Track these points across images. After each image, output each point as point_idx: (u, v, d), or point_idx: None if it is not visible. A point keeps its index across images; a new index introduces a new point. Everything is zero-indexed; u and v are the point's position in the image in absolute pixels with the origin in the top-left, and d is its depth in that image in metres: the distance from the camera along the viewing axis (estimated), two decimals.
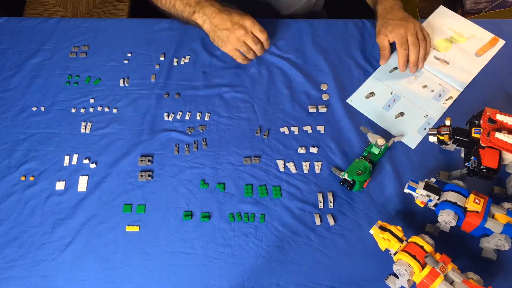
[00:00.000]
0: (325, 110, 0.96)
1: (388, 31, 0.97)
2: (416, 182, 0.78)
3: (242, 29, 0.91)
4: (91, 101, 0.99)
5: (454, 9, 1.54)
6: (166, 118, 0.96)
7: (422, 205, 0.79)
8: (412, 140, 0.92)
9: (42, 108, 0.98)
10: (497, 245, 0.76)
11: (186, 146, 0.93)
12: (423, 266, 0.70)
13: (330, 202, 0.85)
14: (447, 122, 0.83)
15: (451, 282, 0.69)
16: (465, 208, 0.76)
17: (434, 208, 0.79)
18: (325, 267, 0.81)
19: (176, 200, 0.87)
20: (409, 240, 0.74)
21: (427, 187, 0.77)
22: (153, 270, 0.81)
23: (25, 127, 0.96)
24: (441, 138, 0.83)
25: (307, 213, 0.85)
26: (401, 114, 0.95)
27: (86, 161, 0.91)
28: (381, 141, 0.86)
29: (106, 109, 0.98)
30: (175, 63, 1.03)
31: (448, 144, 0.84)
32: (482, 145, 0.78)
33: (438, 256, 0.72)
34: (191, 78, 1.01)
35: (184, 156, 0.92)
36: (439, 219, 0.77)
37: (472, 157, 0.78)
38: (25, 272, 0.81)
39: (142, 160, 0.91)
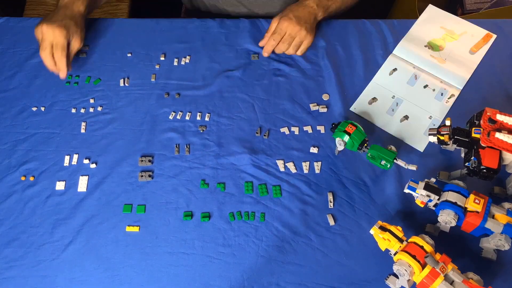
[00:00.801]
0: (325, 110, 0.96)
1: (280, 17, 0.98)
2: (416, 182, 0.78)
3: (44, 27, 0.92)
4: (91, 101, 0.99)
5: (454, 9, 1.54)
6: (166, 118, 0.96)
7: (422, 205, 0.79)
8: (419, 143, 0.92)
9: (42, 108, 0.98)
10: (497, 245, 0.76)
11: (187, 146, 0.93)
12: (423, 266, 0.70)
13: (330, 202, 0.86)
14: (447, 122, 0.83)
15: (451, 282, 0.69)
16: (465, 208, 0.76)
17: (434, 208, 0.79)
18: (325, 267, 0.81)
19: (176, 200, 0.87)
20: (409, 240, 0.74)
21: (427, 187, 0.77)
22: (153, 270, 0.81)
23: (25, 127, 0.96)
24: (441, 138, 0.83)
25: (307, 213, 0.85)
26: (406, 117, 0.95)
27: (86, 161, 0.91)
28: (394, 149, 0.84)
29: (106, 109, 0.98)
30: (175, 63, 1.03)
31: (448, 144, 0.84)
32: (482, 145, 0.78)
33: (438, 256, 0.72)
34: (191, 78, 1.01)
35: (184, 156, 0.92)
36: (439, 219, 0.77)
37: (472, 157, 0.78)
38: (25, 272, 0.81)
39: (142, 160, 0.91)
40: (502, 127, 0.79)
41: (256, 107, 0.97)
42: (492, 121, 0.79)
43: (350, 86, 0.99)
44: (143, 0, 1.64)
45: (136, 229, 0.84)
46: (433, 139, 0.85)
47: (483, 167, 0.76)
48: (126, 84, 1.01)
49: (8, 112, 0.97)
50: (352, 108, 0.96)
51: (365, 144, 0.84)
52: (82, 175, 0.90)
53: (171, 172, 0.90)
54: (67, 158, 0.92)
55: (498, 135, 0.77)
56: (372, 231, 0.76)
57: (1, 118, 0.97)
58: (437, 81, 0.99)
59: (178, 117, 0.96)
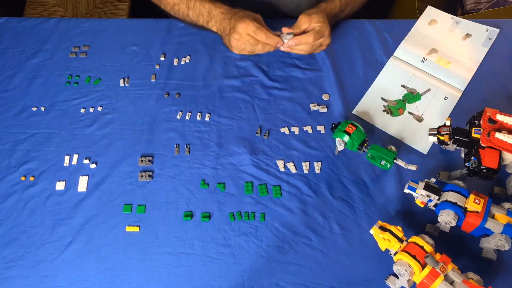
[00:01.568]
0: (325, 110, 0.96)
1: (323, 19, 0.93)
2: (416, 182, 0.78)
3: (236, 33, 0.91)
4: (91, 101, 0.99)
5: (454, 9, 1.54)
6: (166, 118, 0.96)
7: (422, 205, 0.79)
8: (423, 145, 0.91)
9: (42, 108, 0.98)
10: (497, 245, 0.76)
11: (187, 146, 0.93)
12: (423, 266, 0.70)
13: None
14: (447, 122, 0.83)
15: (451, 282, 0.69)
16: (465, 208, 0.76)
17: (434, 208, 0.79)
18: (325, 267, 0.81)
19: (176, 200, 0.87)
20: (409, 240, 0.74)
21: (427, 187, 0.77)
22: (153, 271, 0.81)
23: (25, 127, 0.96)
24: (441, 138, 0.83)
25: (307, 213, 0.85)
26: (417, 117, 0.95)
27: (86, 161, 0.91)
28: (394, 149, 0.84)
29: (106, 109, 0.98)
30: (175, 63, 1.03)
31: (448, 144, 0.84)
32: (482, 145, 0.78)
33: (438, 256, 0.72)
34: (191, 78, 1.01)
35: (184, 156, 0.92)
36: (439, 219, 0.77)
37: (472, 157, 0.78)
38: (25, 272, 0.81)
39: (142, 161, 0.91)
40: (502, 127, 0.79)
41: (256, 107, 0.97)
42: (492, 121, 0.79)
43: (350, 86, 0.99)
44: (143, 0, 1.64)
45: (136, 229, 0.84)
46: (433, 139, 0.85)
47: (483, 167, 0.76)
48: (126, 84, 1.01)
49: (8, 112, 0.97)
50: (354, 112, 0.96)
51: (365, 144, 0.84)
52: (82, 175, 0.90)
53: (171, 172, 0.90)
54: (67, 158, 0.92)
55: (498, 135, 0.77)
56: (372, 231, 0.76)
57: (1, 118, 0.97)
58: (439, 82, 0.99)
59: (178, 117, 0.96)
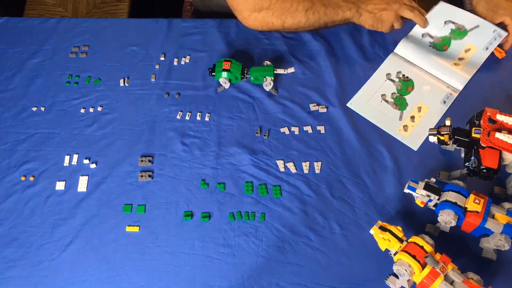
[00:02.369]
0: (325, 110, 0.96)
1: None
2: (416, 182, 0.78)
3: (396, 3, 0.97)
4: (91, 101, 0.99)
5: None
6: (166, 118, 0.96)
7: (422, 205, 0.79)
8: (414, 142, 0.92)
9: (42, 108, 0.98)
10: (497, 245, 0.76)
11: (187, 147, 0.93)
12: (423, 266, 0.70)
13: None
14: (447, 122, 0.83)
15: (451, 282, 0.69)
16: (465, 208, 0.76)
17: (434, 208, 0.79)
18: (325, 267, 0.81)
19: (176, 200, 0.87)
20: (409, 240, 0.74)
21: (427, 187, 0.77)
22: (153, 270, 0.81)
23: (25, 127, 0.96)
24: (441, 138, 0.83)
25: (307, 213, 0.85)
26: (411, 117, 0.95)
27: (86, 161, 0.91)
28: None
29: (106, 109, 0.98)
30: (175, 63, 1.03)
31: (448, 144, 0.84)
32: (482, 145, 0.78)
33: (438, 256, 0.72)
34: (191, 78, 1.01)
35: (184, 156, 0.92)
36: (439, 219, 0.77)
37: (472, 157, 0.78)
38: (25, 272, 0.81)
39: (142, 161, 0.91)
40: (502, 127, 0.79)
41: (256, 107, 0.97)
42: (492, 121, 0.79)
43: (350, 86, 0.99)
44: (143, 0, 1.64)
45: (136, 229, 0.84)
46: (433, 139, 0.85)
47: (483, 167, 0.76)
48: (126, 84, 1.01)
49: (8, 112, 0.98)
50: (348, 104, 0.96)
51: (245, 71, 0.95)
52: (82, 175, 0.90)
53: (171, 172, 0.90)
54: (67, 158, 0.92)
55: (498, 135, 0.77)
56: (372, 231, 0.76)
57: (1, 118, 0.97)
58: (438, 82, 0.99)
59: (178, 117, 0.96)
